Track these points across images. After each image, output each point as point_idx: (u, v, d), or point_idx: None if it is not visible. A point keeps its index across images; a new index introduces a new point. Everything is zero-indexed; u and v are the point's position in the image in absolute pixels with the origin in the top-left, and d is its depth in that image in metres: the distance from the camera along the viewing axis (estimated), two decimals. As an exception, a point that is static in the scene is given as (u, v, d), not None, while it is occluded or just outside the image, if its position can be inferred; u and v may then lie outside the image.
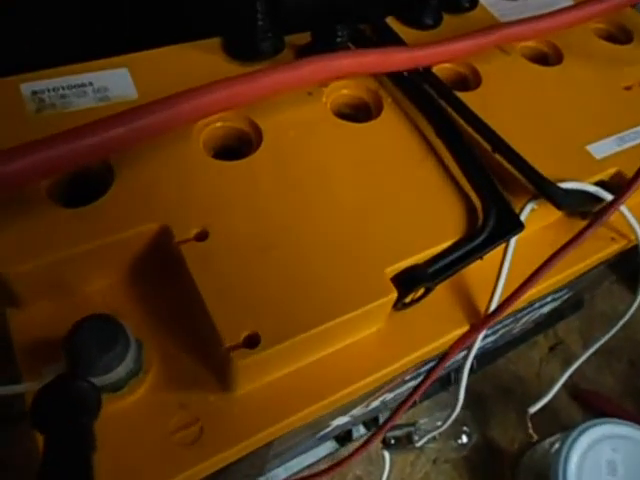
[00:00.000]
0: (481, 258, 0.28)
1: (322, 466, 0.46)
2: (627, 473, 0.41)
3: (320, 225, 0.26)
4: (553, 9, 0.41)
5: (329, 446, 0.47)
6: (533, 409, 0.42)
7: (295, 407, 0.25)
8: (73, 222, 0.25)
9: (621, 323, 0.42)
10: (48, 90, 0.29)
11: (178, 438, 0.23)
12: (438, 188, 0.29)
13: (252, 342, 0.23)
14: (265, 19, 0.32)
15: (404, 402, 0.29)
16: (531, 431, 0.45)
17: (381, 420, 0.48)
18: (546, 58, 0.39)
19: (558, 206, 0.28)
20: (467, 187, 0.29)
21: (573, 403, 0.53)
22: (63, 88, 0.29)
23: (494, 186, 0.28)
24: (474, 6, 0.40)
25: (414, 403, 0.49)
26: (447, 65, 0.35)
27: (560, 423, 0.51)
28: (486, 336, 0.40)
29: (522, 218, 0.29)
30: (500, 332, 0.42)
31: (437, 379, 0.44)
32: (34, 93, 0.28)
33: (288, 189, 0.28)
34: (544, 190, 0.28)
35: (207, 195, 0.27)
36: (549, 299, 0.42)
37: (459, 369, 0.45)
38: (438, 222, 0.28)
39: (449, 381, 0.51)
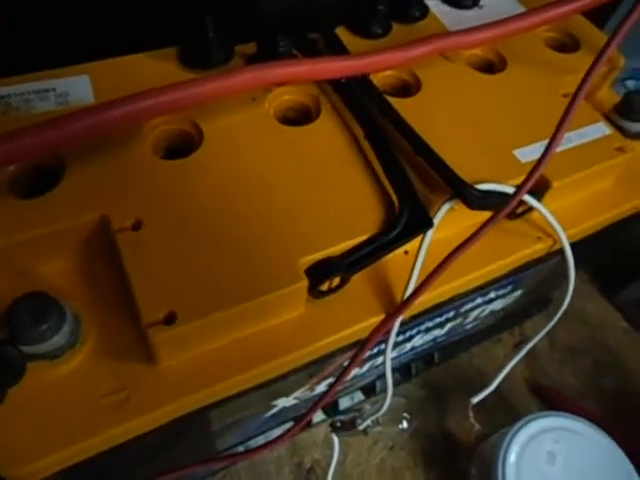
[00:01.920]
0: (406, 252, 0.31)
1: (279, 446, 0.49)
2: (565, 463, 0.43)
3: (246, 218, 0.29)
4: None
5: (287, 427, 0.50)
6: (476, 399, 0.44)
7: (213, 380, 0.28)
8: (27, 211, 0.28)
9: (564, 307, 0.43)
10: (15, 95, 0.32)
11: (106, 402, 0.26)
12: (361, 187, 0.32)
13: (169, 319, 0.26)
14: (215, 31, 0.35)
15: (334, 384, 0.32)
16: (472, 420, 0.47)
17: (340, 405, 0.51)
18: (491, 66, 0.41)
19: (469, 205, 0.30)
20: (388, 187, 0.32)
21: (532, 398, 0.55)
22: (28, 93, 0.32)
23: (410, 186, 0.31)
24: (424, 15, 0.43)
25: (373, 390, 0.51)
26: (389, 72, 0.38)
27: (516, 416, 0.53)
28: (428, 329, 0.43)
29: (439, 216, 0.31)
30: (447, 326, 0.45)
31: (395, 369, 0.46)
32: (1, 97, 0.32)
33: (221, 186, 0.31)
34: (457, 190, 0.31)
35: (146, 190, 0.30)
36: (493, 295, 0.44)
37: (414, 360, 0.47)
38: (358, 218, 0.30)
39: (409, 373, 0.53)
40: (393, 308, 0.31)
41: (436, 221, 0.31)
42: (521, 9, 0.46)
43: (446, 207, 0.31)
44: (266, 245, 0.29)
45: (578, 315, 0.62)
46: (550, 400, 0.55)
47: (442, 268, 0.29)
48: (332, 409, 0.50)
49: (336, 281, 0.30)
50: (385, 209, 0.31)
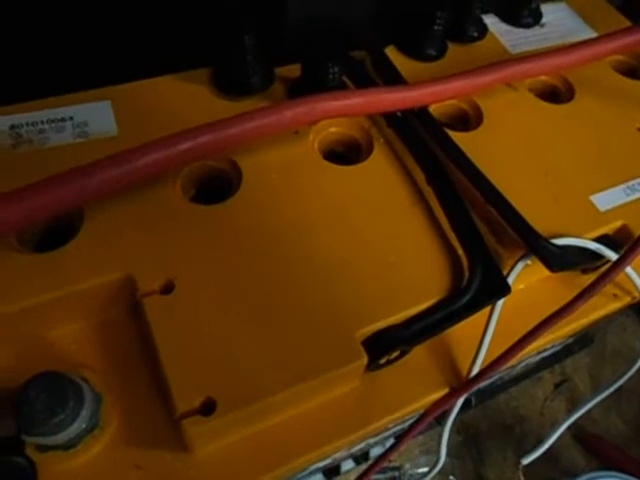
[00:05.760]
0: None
1: (308, 499, 0.45)
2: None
3: (292, 281, 0.25)
4: (569, 40, 0.39)
5: (318, 478, 0.46)
6: (527, 460, 0.40)
7: (257, 470, 0.24)
8: (39, 269, 0.24)
9: (634, 370, 0.39)
10: (27, 124, 0.28)
11: (130, 500, 0.22)
12: (423, 242, 0.27)
13: (207, 409, 0.22)
14: (254, 53, 0.30)
15: (377, 462, 0.28)
16: (523, 484, 0.43)
17: (371, 454, 0.47)
18: (556, 94, 0.37)
19: (550, 268, 0.26)
20: (454, 241, 0.28)
21: (576, 447, 0.51)
22: (42, 122, 0.28)
23: (482, 244, 0.27)
24: (483, 35, 0.38)
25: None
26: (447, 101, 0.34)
27: (561, 469, 0.49)
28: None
29: (513, 276, 0.27)
30: (495, 377, 0.41)
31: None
32: (12, 127, 0.28)
33: (263, 239, 0.26)
34: (536, 248, 0.26)
35: (178, 243, 0.26)
36: (548, 346, 0.40)
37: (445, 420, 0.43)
38: (420, 280, 0.26)
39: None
40: (455, 380, 0.27)
41: (510, 282, 0.27)
42: (585, 27, 0.41)
43: (521, 265, 0.27)
44: (318, 314, 0.25)
45: (623, 353, 0.57)
46: (595, 448, 0.51)
47: (519, 348, 0.25)
48: (362, 457, 0.46)
49: (396, 353, 0.26)
50: (450, 269, 0.27)
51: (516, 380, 0.53)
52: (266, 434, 0.24)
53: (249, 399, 0.22)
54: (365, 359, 0.24)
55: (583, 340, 0.57)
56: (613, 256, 0.28)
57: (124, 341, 0.25)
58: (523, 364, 0.43)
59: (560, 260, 0.27)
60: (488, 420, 0.52)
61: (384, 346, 0.25)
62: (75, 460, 0.22)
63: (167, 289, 0.24)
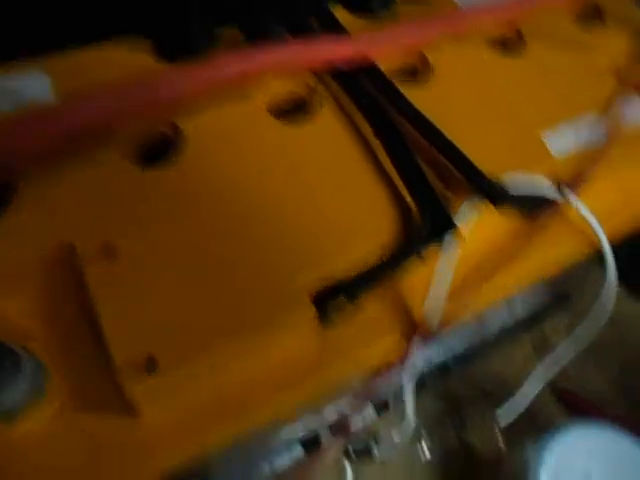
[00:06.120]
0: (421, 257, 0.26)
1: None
2: (603, 481, 0.39)
3: (237, 238, 0.25)
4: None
5: (297, 450, 0.45)
6: (504, 422, 0.40)
7: (208, 429, 0.23)
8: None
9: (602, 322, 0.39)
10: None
11: (77, 470, 0.22)
12: (371, 192, 0.27)
13: (149, 367, 0.21)
14: (194, 16, 0.30)
15: (340, 422, 0.28)
16: (501, 445, 0.43)
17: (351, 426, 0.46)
18: (507, 44, 0.37)
19: (493, 202, 0.26)
20: (403, 189, 0.27)
21: (556, 404, 0.51)
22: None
23: (428, 187, 0.26)
24: (432, -9, 0.38)
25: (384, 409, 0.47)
26: (393, 55, 0.33)
27: (538, 423, 0.49)
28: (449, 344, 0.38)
29: (461, 217, 0.26)
30: (467, 337, 0.40)
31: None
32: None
33: (208, 200, 0.26)
34: (480, 186, 0.26)
35: (119, 207, 0.25)
36: (518, 301, 0.39)
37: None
38: (368, 228, 0.26)
39: (423, 384, 0.49)
40: (413, 330, 0.27)
41: (459, 224, 0.26)
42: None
43: (468, 206, 0.27)
44: (263, 267, 0.24)
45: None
46: (574, 405, 0.51)
47: (475, 289, 0.24)
48: (341, 427, 0.46)
49: (345, 302, 0.25)
50: (401, 216, 0.26)
51: (494, 344, 0.53)
52: (216, 392, 0.24)
53: (190, 355, 0.22)
54: (311, 309, 0.23)
55: (561, 301, 0.57)
56: (559, 198, 0.28)
57: (67, 310, 0.24)
58: (498, 324, 0.43)
59: (503, 195, 0.26)
60: (467, 384, 0.52)
61: (331, 294, 0.24)
62: (17, 430, 0.22)
63: (107, 254, 0.23)
